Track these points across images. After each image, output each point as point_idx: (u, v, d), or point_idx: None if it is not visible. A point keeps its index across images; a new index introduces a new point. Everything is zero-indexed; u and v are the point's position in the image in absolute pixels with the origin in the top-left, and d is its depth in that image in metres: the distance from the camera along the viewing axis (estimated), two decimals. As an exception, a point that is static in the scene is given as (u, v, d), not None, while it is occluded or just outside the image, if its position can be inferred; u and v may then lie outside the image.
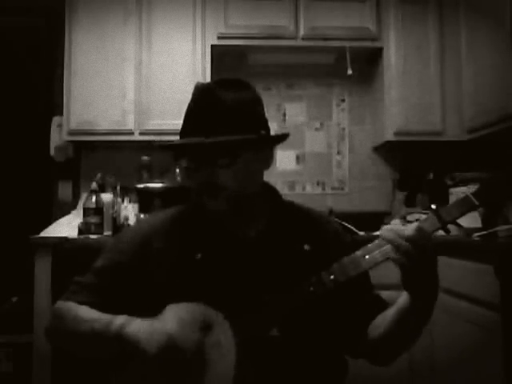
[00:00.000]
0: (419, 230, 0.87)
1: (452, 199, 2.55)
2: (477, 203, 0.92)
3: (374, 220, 2.79)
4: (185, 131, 1.01)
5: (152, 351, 0.87)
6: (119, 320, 0.95)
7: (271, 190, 1.14)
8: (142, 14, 2.80)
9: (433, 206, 0.93)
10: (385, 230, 0.89)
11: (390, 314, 1.01)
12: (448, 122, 2.83)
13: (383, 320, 1.03)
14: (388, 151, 3.11)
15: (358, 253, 0.93)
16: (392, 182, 3.08)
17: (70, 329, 1.03)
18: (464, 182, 2.49)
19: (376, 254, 0.92)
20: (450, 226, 0.94)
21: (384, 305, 1.07)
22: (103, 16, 2.78)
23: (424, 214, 0.95)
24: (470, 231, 2.12)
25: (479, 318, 1.87)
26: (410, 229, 0.87)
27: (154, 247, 1.06)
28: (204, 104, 0.99)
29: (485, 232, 2.06)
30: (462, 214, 0.93)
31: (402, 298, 0.97)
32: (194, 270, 1.01)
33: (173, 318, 0.92)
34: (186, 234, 1.07)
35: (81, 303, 1.05)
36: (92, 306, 1.03)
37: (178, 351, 0.86)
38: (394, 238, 0.87)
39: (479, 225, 2.18)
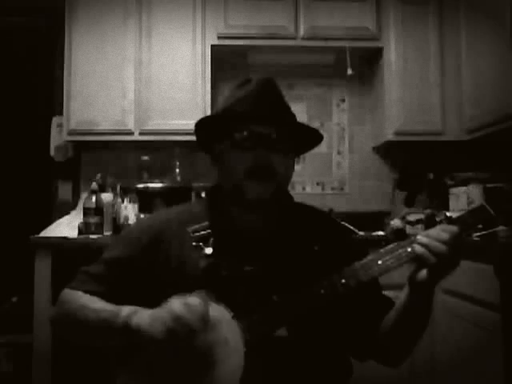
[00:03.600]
0: (451, 233, 0.89)
1: (452, 199, 2.55)
2: (493, 214, 0.91)
3: (374, 220, 2.79)
4: (243, 109, 1.03)
5: (158, 334, 0.87)
6: (126, 311, 0.95)
7: (285, 192, 1.14)
8: (142, 15, 2.79)
9: (448, 214, 0.93)
10: (421, 235, 0.91)
11: (394, 312, 1.02)
12: (448, 122, 2.83)
13: (389, 319, 1.03)
14: (388, 151, 3.11)
15: (370, 258, 0.93)
16: (392, 181, 3.08)
17: (77, 317, 1.02)
18: (464, 182, 2.49)
19: (388, 260, 0.92)
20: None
21: (392, 304, 1.07)
22: (103, 16, 2.78)
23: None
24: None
25: (479, 318, 1.87)
26: (446, 234, 0.89)
27: (165, 242, 1.07)
28: (269, 93, 1.05)
29: (485, 232, 2.06)
30: (478, 224, 0.94)
31: (404, 295, 0.98)
32: (203, 266, 1.01)
33: (177, 301, 0.90)
34: (196, 229, 1.06)
35: (88, 292, 1.05)
36: (99, 295, 1.03)
37: (184, 326, 0.85)
38: (430, 241, 0.89)
39: (479, 225, 2.18)
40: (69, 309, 1.05)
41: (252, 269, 1.01)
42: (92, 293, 1.04)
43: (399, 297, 1.01)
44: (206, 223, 1.07)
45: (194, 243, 1.04)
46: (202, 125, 1.09)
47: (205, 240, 1.04)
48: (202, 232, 1.06)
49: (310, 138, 1.11)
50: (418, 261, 0.91)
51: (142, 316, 0.92)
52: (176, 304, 0.88)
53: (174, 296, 0.93)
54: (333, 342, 1.04)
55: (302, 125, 1.06)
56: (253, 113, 1.02)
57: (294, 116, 1.08)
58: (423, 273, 0.91)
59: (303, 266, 1.02)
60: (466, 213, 0.93)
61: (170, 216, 1.13)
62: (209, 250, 1.03)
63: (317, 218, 1.16)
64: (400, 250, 0.92)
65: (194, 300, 0.88)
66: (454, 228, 0.90)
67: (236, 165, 1.03)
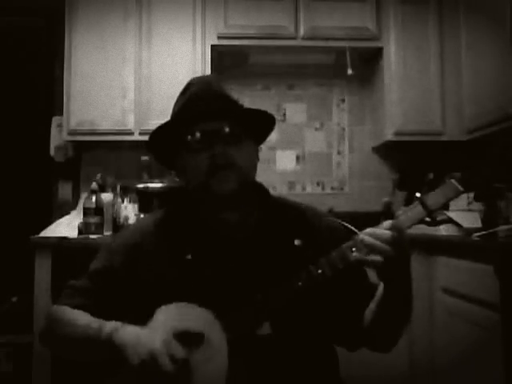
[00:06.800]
0: (395, 229, 0.89)
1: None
2: (461, 189, 0.91)
3: (374, 220, 2.78)
4: (188, 114, 1.04)
5: (134, 362, 0.88)
6: (110, 326, 0.96)
7: (260, 188, 1.15)
8: (142, 14, 2.79)
9: (417, 195, 0.93)
10: (364, 234, 0.91)
11: (373, 303, 1.03)
12: (448, 122, 2.83)
13: (370, 308, 1.04)
14: (388, 151, 3.11)
15: (345, 245, 0.94)
16: (392, 181, 3.08)
17: (63, 333, 1.04)
18: (464, 182, 2.49)
19: (363, 248, 0.92)
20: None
21: (376, 290, 1.07)
22: (103, 16, 2.78)
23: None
24: (470, 231, 2.12)
25: (479, 318, 1.87)
26: (386, 230, 0.90)
27: (145, 250, 1.07)
28: (206, 92, 1.06)
29: (485, 232, 2.06)
30: (448, 201, 0.93)
31: (381, 286, 0.99)
32: (184, 271, 1.02)
33: (161, 331, 0.91)
34: (175, 235, 1.08)
35: (74, 307, 1.05)
36: (85, 309, 1.04)
37: (158, 368, 0.86)
38: (373, 242, 0.89)
39: (479, 225, 2.18)
40: (55, 325, 1.06)
41: (233, 269, 1.01)
42: (79, 307, 1.05)
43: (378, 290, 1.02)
44: (184, 228, 1.08)
45: (173, 249, 1.05)
46: (155, 143, 1.09)
47: (184, 244, 1.05)
48: (182, 237, 1.07)
49: (264, 121, 1.11)
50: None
51: (127, 334, 0.92)
52: (157, 340, 0.88)
53: (159, 304, 0.95)
54: (317, 335, 1.04)
55: (249, 110, 1.07)
56: (194, 112, 1.03)
57: (237, 104, 1.08)
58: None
59: (285, 262, 1.02)
60: (435, 191, 0.93)
61: (148, 224, 1.14)
62: (188, 256, 1.03)
63: (297, 212, 1.15)
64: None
65: (175, 346, 0.88)
66: (392, 224, 0.90)
67: (196, 167, 1.03)
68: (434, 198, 0.92)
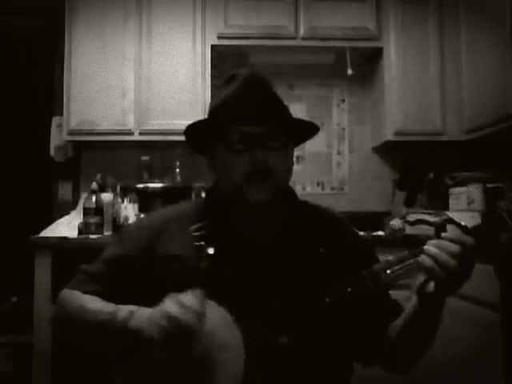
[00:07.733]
0: (465, 247, 0.83)
1: (452, 199, 2.55)
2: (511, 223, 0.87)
3: (374, 220, 2.79)
4: (230, 112, 1.00)
5: (154, 334, 0.85)
6: (124, 312, 0.94)
7: (289, 192, 1.12)
8: (142, 14, 2.79)
9: (463, 223, 0.89)
10: (430, 245, 0.86)
11: (401, 320, 1.00)
12: (448, 122, 2.83)
13: (396, 326, 1.01)
14: (388, 151, 3.11)
15: (379, 266, 0.90)
16: (392, 182, 3.08)
17: (76, 319, 1.02)
18: (464, 182, 2.49)
19: (397, 270, 0.88)
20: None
21: (400, 309, 1.05)
22: (103, 16, 2.78)
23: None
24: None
25: (479, 318, 1.87)
26: (453, 244, 0.83)
27: (164, 242, 1.05)
28: (256, 90, 1.02)
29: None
30: (494, 235, 0.88)
31: (412, 305, 0.96)
32: (205, 266, 0.98)
33: (171, 300, 0.89)
34: (197, 230, 1.03)
35: (87, 293, 1.04)
36: (98, 295, 1.02)
37: (180, 327, 0.83)
38: (439, 254, 0.84)
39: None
40: (68, 310, 1.04)
41: (255, 271, 0.99)
42: (90, 293, 1.03)
43: (407, 305, 0.98)
44: (207, 223, 1.04)
45: (195, 243, 1.01)
46: (192, 130, 1.05)
47: (206, 240, 1.01)
48: (203, 232, 1.03)
49: (306, 129, 1.08)
50: (426, 273, 0.86)
51: (140, 317, 0.91)
52: (170, 303, 0.87)
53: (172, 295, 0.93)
54: (335, 347, 1.02)
55: (295, 119, 1.04)
56: (240, 114, 0.98)
57: (286, 109, 1.04)
58: (432, 285, 0.87)
59: (308, 269, 1.00)
60: (482, 223, 0.90)
61: (170, 215, 1.11)
62: (211, 250, 1.00)
63: (322, 218, 1.12)
64: (411, 260, 0.88)
65: (188, 299, 0.86)
66: (468, 240, 0.84)
67: (234, 168, 0.99)
68: (481, 230, 0.88)
